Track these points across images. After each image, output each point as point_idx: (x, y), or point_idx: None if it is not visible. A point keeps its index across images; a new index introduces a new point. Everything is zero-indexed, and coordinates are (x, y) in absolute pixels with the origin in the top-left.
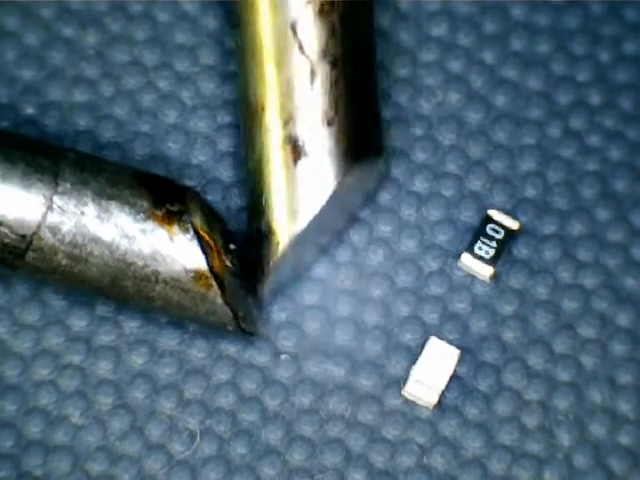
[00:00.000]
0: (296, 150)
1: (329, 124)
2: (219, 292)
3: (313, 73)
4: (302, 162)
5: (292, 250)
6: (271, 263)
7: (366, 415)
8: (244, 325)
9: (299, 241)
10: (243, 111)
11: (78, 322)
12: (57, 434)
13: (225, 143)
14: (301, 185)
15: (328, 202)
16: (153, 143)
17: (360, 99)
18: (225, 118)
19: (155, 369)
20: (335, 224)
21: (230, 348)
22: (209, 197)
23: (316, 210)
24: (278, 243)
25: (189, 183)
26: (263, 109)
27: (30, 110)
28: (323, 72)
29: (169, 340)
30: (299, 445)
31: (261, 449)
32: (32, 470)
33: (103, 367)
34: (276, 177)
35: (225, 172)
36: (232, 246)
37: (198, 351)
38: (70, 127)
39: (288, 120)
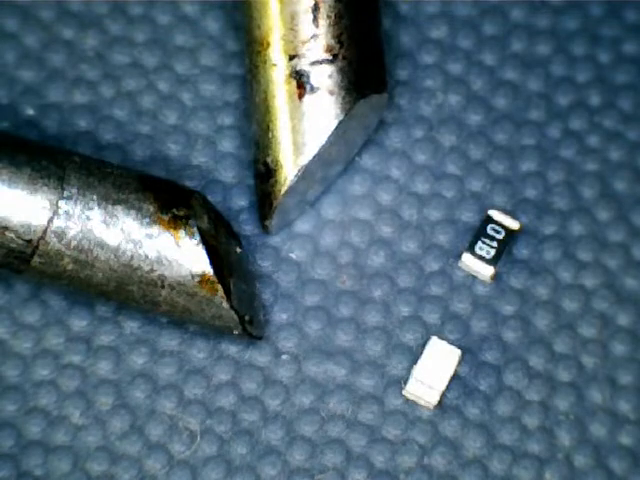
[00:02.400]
0: (301, 85)
1: (334, 58)
2: (225, 296)
3: (317, 7)
4: (307, 96)
5: (299, 183)
6: (279, 196)
7: (367, 415)
8: (250, 329)
9: (306, 174)
10: (248, 46)
11: (78, 322)
12: (57, 434)
13: (225, 144)
14: (307, 119)
15: (333, 135)
16: (153, 144)
17: (364, 34)
18: (225, 119)
19: (155, 369)
20: (340, 157)
21: (231, 348)
22: (209, 198)
23: (322, 143)
24: (286, 176)
25: (189, 184)
26: (268, 44)
27: (30, 111)
28: (327, 6)
29: (169, 340)
30: (300, 445)
31: (261, 449)
32: (32, 470)
33: (103, 367)
34: (282, 112)
35: (225, 173)
36: (238, 249)
37: (198, 351)
38: (70, 128)
39: (293, 55)
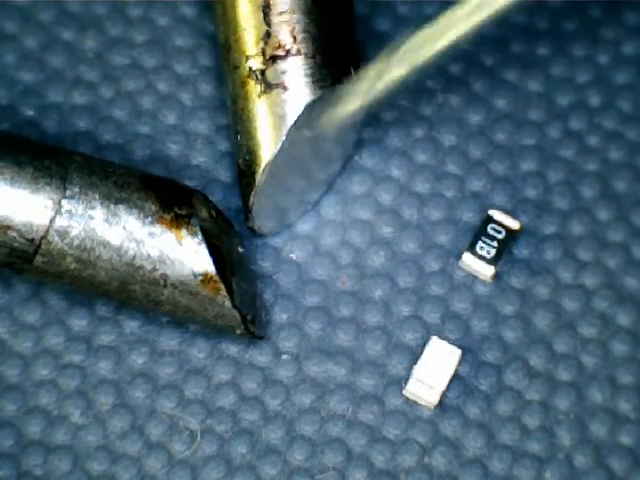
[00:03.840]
0: (258, 83)
1: (287, 54)
2: (227, 295)
3: (268, 5)
4: (265, 95)
5: (275, 183)
6: (252, 197)
7: (367, 415)
8: (252, 328)
9: (279, 173)
10: (218, 53)
11: (78, 322)
12: (57, 433)
13: (225, 144)
14: (265, 117)
15: (295, 131)
16: (153, 144)
17: (323, 27)
18: (224, 119)
19: (155, 369)
20: (330, 154)
21: (231, 348)
22: (209, 198)
23: (281, 140)
24: (253, 177)
25: (189, 184)
26: (229, 47)
27: (30, 112)
28: (278, 3)
29: (169, 340)
30: (300, 445)
31: (262, 449)
32: (32, 469)
33: (103, 367)
34: (244, 112)
35: (225, 172)
36: (240, 249)
37: (199, 351)
38: (70, 129)
39: (249, 55)
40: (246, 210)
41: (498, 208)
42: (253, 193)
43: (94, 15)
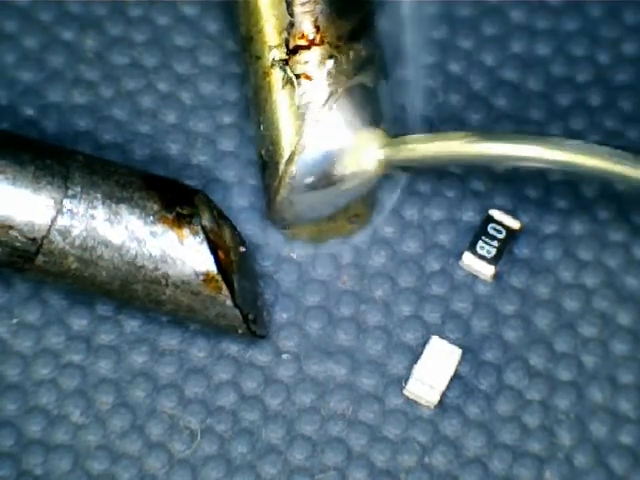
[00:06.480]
0: (282, 74)
1: (310, 44)
2: (229, 295)
3: None
4: (288, 85)
5: (306, 178)
6: (273, 188)
7: (367, 414)
8: (254, 328)
9: (306, 167)
10: (239, 45)
11: (78, 321)
12: (57, 433)
13: (225, 143)
14: (289, 108)
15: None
16: (153, 144)
17: (345, 16)
18: (225, 118)
19: (156, 368)
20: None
21: (231, 347)
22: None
23: (306, 127)
24: (277, 167)
25: (189, 183)
26: (251, 38)
27: (30, 112)
28: None
29: (170, 339)
30: (300, 444)
31: (262, 448)
32: (32, 469)
33: (103, 366)
34: (268, 103)
35: (225, 172)
36: (242, 249)
37: (199, 350)
38: (70, 128)
39: (272, 45)
40: (268, 201)
41: (498, 208)
42: (276, 184)
43: (94, 15)
